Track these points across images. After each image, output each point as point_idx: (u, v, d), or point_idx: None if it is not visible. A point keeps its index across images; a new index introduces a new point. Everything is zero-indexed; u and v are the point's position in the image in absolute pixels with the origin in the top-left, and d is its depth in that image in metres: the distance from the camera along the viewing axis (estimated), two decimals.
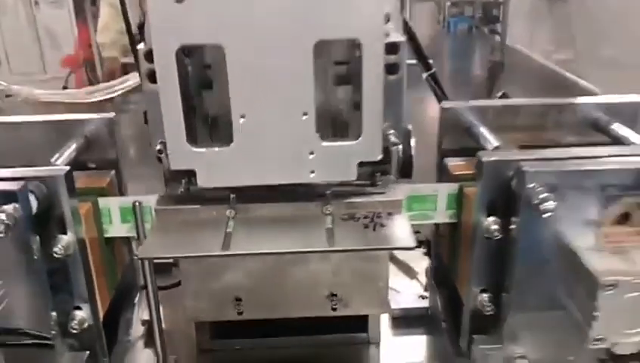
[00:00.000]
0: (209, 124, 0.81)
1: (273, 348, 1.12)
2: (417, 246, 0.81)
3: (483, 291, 0.86)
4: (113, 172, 0.97)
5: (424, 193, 0.92)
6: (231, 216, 0.82)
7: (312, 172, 0.79)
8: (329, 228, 0.79)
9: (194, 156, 0.77)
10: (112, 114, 0.97)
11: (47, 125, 0.98)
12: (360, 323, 1.12)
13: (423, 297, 1.20)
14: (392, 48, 0.79)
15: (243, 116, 0.75)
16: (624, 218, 0.78)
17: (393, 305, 1.19)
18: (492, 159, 0.79)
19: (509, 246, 0.80)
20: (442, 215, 0.92)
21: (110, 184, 0.94)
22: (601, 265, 0.75)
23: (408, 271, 1.30)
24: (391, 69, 0.79)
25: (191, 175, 0.80)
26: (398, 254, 1.29)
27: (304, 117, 0.76)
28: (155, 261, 0.94)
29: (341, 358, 1.12)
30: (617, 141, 0.96)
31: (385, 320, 1.18)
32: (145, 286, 0.94)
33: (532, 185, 0.75)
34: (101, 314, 0.88)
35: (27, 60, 3.96)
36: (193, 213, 0.82)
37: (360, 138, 0.78)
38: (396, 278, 1.25)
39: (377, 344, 1.13)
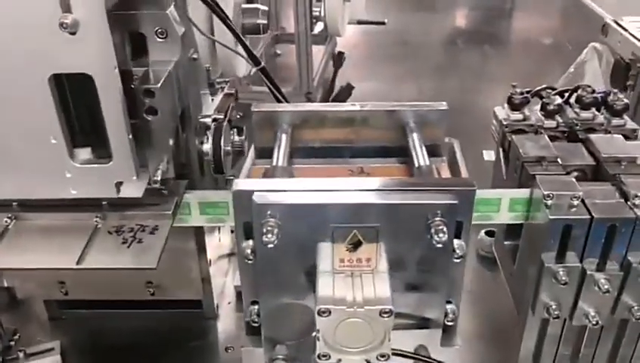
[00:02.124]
0: None
1: (116, 318, 1.22)
2: None
3: (253, 303, 0.91)
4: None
5: (215, 200, 0.97)
6: (9, 224, 0.88)
7: (74, 188, 0.84)
8: (88, 243, 0.85)
9: None
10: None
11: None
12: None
13: None
14: (148, 93, 0.82)
15: None
16: (357, 245, 0.81)
17: None
18: (239, 188, 0.82)
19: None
20: (232, 220, 0.97)
21: None
22: (327, 290, 0.81)
23: None
24: (150, 111, 0.83)
25: None
26: None
27: (53, 141, 0.80)
28: None
29: (182, 329, 1.22)
30: (408, 150, 0.99)
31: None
32: None
33: (261, 214, 0.79)
34: None
35: None
36: None
37: (111, 162, 0.82)
38: None
39: (214, 318, 1.23)
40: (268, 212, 0.79)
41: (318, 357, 0.82)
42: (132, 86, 0.83)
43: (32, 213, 0.90)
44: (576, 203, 0.89)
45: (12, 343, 1.12)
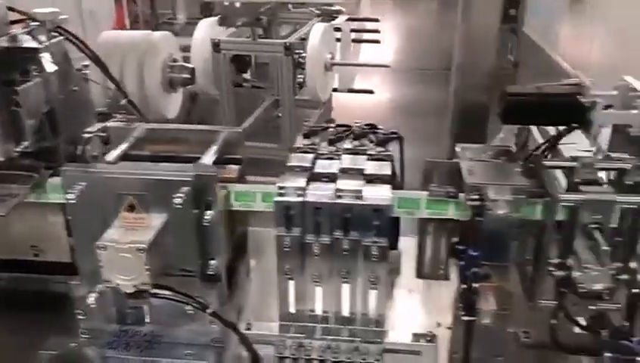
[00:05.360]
0: None
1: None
2: None
3: None
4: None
5: None
6: None
7: None
8: None
9: None
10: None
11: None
12: None
13: None
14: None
15: None
16: (132, 207, 1.23)
17: None
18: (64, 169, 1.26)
19: None
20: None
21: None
22: (111, 236, 1.21)
23: None
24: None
25: None
26: None
27: None
28: None
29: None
30: None
31: None
32: None
33: (71, 183, 1.22)
34: None
35: None
36: None
37: None
38: None
39: None
40: (77, 182, 1.23)
41: (104, 281, 1.21)
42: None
43: None
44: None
45: None
